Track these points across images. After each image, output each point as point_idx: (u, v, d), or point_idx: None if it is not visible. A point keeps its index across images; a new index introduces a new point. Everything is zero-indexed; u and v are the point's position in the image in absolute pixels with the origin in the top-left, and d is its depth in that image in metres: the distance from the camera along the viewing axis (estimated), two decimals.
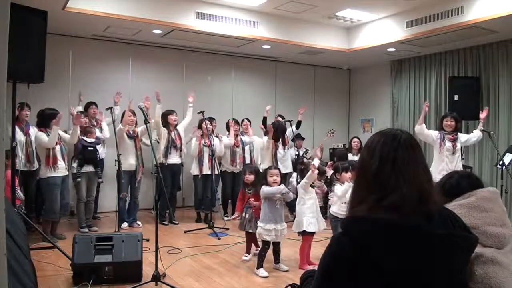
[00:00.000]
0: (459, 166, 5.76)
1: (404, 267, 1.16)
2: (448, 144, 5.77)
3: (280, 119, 7.45)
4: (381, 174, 1.26)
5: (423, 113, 5.97)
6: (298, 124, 7.47)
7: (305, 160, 6.76)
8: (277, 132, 6.73)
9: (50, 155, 5.32)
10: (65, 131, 5.81)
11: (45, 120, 5.39)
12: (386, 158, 1.27)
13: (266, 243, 4.46)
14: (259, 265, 4.39)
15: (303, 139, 8.00)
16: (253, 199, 4.70)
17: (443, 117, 5.98)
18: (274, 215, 4.40)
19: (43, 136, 5.31)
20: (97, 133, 6.09)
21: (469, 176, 1.78)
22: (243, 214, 4.83)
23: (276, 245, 4.53)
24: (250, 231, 4.75)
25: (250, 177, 4.92)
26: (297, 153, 7.35)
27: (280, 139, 6.99)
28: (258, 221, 4.51)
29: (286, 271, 4.48)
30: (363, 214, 1.24)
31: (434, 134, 5.88)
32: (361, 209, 1.26)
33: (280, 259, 4.59)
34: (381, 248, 1.16)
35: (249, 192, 4.89)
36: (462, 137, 5.90)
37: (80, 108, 6.50)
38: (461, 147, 5.96)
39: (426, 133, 5.85)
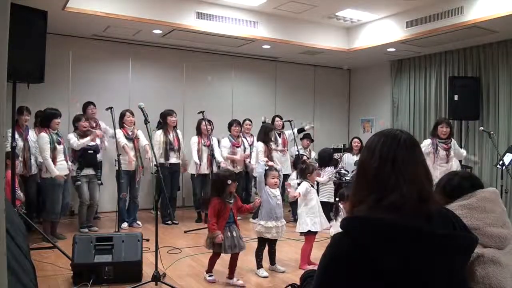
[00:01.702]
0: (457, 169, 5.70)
1: (404, 267, 1.16)
2: (442, 153, 5.55)
3: (278, 119, 7.44)
4: (381, 174, 1.26)
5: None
6: (301, 131, 7.44)
7: (305, 158, 6.73)
8: (263, 135, 6.67)
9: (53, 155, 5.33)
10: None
11: (46, 120, 5.39)
12: (386, 158, 1.27)
13: (262, 243, 4.42)
14: (259, 265, 4.39)
15: (312, 141, 7.92)
16: (259, 200, 4.38)
17: (437, 124, 5.74)
18: (276, 211, 4.38)
19: (44, 138, 5.30)
20: (98, 141, 6.08)
21: (470, 177, 1.79)
22: (228, 233, 4.04)
23: (272, 246, 4.50)
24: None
25: (235, 184, 4.19)
26: (297, 152, 7.33)
27: (278, 140, 6.98)
28: (258, 219, 4.48)
29: (283, 272, 4.46)
30: (363, 214, 1.24)
31: (426, 143, 5.61)
32: (361, 209, 1.26)
33: (278, 259, 4.56)
34: (381, 248, 1.16)
35: (231, 202, 4.11)
36: (455, 145, 5.73)
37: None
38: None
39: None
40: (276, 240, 4.48)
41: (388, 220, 1.18)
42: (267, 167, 4.65)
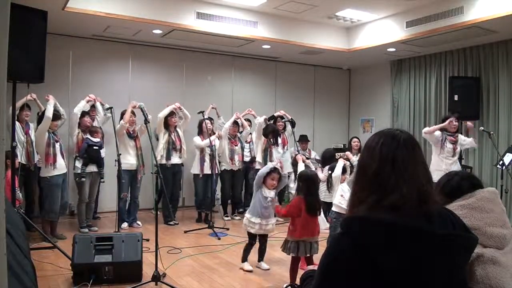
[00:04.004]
0: (457, 168, 5.75)
1: (404, 267, 1.16)
2: (449, 146, 5.79)
3: (279, 119, 7.44)
4: (381, 174, 1.26)
5: (445, 124, 5.86)
6: (292, 123, 7.33)
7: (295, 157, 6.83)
8: (265, 130, 6.78)
9: (50, 154, 5.34)
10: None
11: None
12: (385, 158, 1.27)
13: (253, 238, 4.51)
14: (244, 259, 4.51)
15: (309, 140, 7.94)
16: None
17: (447, 117, 5.96)
18: (263, 211, 4.38)
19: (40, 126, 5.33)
20: (96, 121, 6.14)
21: (469, 177, 1.78)
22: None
23: (263, 242, 4.54)
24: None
25: None
26: (296, 152, 7.30)
27: (277, 139, 7.02)
28: (247, 212, 4.55)
29: (267, 269, 4.49)
30: (363, 214, 1.24)
31: (437, 134, 5.89)
32: (361, 209, 1.26)
33: (277, 259, 4.57)
34: (381, 248, 1.16)
35: None
36: (461, 139, 5.93)
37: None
38: (460, 150, 6.01)
39: (434, 135, 5.87)
40: (266, 236, 4.54)
41: (388, 220, 1.18)
42: (272, 168, 4.56)
